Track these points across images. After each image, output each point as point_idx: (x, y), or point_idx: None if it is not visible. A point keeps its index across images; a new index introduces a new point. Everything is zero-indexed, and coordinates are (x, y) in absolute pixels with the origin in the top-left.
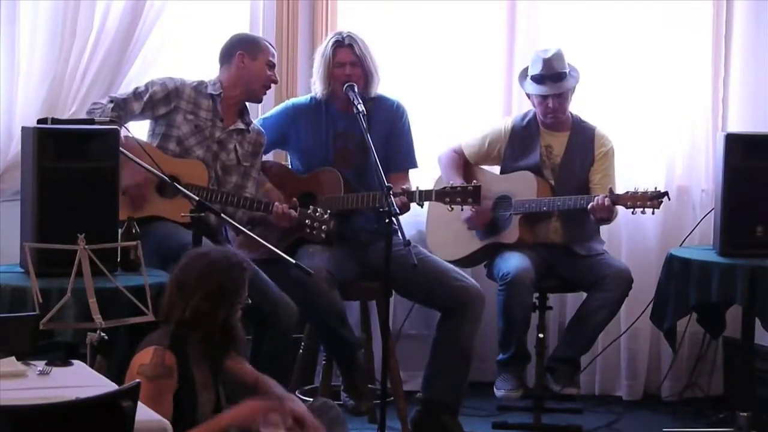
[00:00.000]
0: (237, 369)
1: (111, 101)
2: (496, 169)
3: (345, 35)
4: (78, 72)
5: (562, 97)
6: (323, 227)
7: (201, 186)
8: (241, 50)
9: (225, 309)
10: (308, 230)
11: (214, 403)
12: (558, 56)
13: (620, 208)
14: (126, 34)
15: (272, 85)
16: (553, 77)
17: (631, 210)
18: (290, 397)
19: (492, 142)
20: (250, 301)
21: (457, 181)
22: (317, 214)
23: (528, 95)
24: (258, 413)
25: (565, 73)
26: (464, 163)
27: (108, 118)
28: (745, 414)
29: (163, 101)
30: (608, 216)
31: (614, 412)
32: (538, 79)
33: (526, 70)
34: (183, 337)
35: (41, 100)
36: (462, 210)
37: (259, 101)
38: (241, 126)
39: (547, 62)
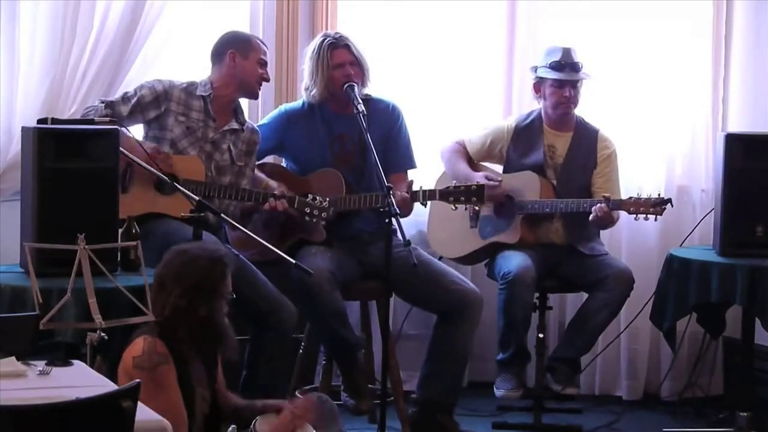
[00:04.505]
0: (220, 387)
1: (102, 102)
2: (497, 167)
3: (337, 36)
4: (78, 72)
5: (576, 89)
6: (323, 214)
7: (199, 181)
8: (232, 49)
9: (205, 305)
10: (308, 218)
11: (210, 401)
12: (574, 50)
13: (622, 214)
14: (126, 34)
15: (265, 83)
16: (571, 65)
17: (634, 216)
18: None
19: (494, 141)
20: (233, 296)
21: (462, 167)
22: (316, 201)
23: (538, 89)
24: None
25: (581, 65)
26: (468, 156)
27: (108, 118)
28: (745, 414)
29: (152, 105)
30: (609, 220)
31: (614, 412)
32: (555, 66)
33: (535, 67)
34: (169, 332)
35: (41, 100)
36: (466, 209)
37: (255, 97)
38: (236, 126)
39: (566, 51)
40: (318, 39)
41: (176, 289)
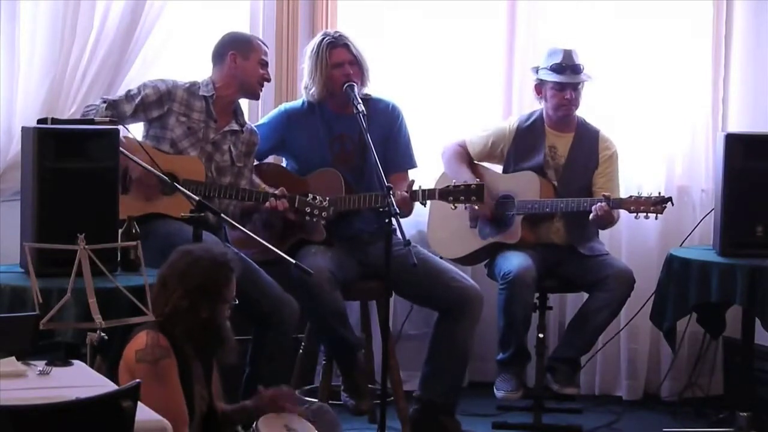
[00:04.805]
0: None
1: (104, 102)
2: (498, 167)
3: (336, 35)
4: (78, 72)
5: (578, 91)
6: (323, 214)
7: (199, 181)
8: (233, 50)
9: (207, 307)
10: (308, 217)
11: (208, 401)
12: (575, 52)
13: (622, 214)
14: (126, 34)
15: (266, 83)
16: (572, 68)
17: (634, 215)
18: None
19: (495, 142)
20: (237, 302)
21: (463, 173)
22: (316, 200)
23: (539, 90)
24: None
25: (582, 66)
26: (469, 159)
27: (108, 118)
28: (745, 414)
29: (155, 104)
30: (610, 220)
31: (614, 412)
32: (556, 69)
33: (536, 68)
34: (169, 331)
35: (41, 100)
36: (465, 208)
37: (257, 98)
38: (236, 127)
39: (567, 54)
40: (318, 38)
41: (179, 290)
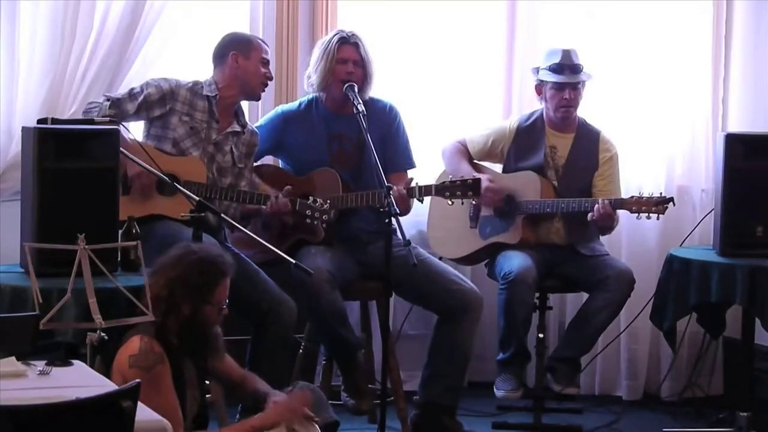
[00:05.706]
0: (223, 368)
1: (107, 99)
2: (498, 167)
3: (350, 33)
4: (78, 72)
5: (577, 90)
6: (324, 216)
7: (200, 182)
8: (234, 51)
9: (188, 304)
10: (309, 220)
11: (200, 403)
12: (575, 52)
13: (622, 214)
14: (126, 34)
15: (269, 83)
16: (571, 67)
17: (636, 215)
18: (274, 392)
19: (496, 141)
20: (227, 309)
21: (463, 167)
22: (317, 204)
23: (539, 91)
24: (285, 419)
25: (582, 66)
26: (469, 156)
27: (108, 118)
28: (745, 414)
29: (158, 103)
30: (610, 224)
31: (614, 412)
32: (555, 69)
33: (536, 69)
34: (165, 330)
35: (41, 100)
36: (462, 204)
37: (257, 99)
38: (237, 128)
39: (566, 53)
40: (332, 32)
41: (162, 278)
